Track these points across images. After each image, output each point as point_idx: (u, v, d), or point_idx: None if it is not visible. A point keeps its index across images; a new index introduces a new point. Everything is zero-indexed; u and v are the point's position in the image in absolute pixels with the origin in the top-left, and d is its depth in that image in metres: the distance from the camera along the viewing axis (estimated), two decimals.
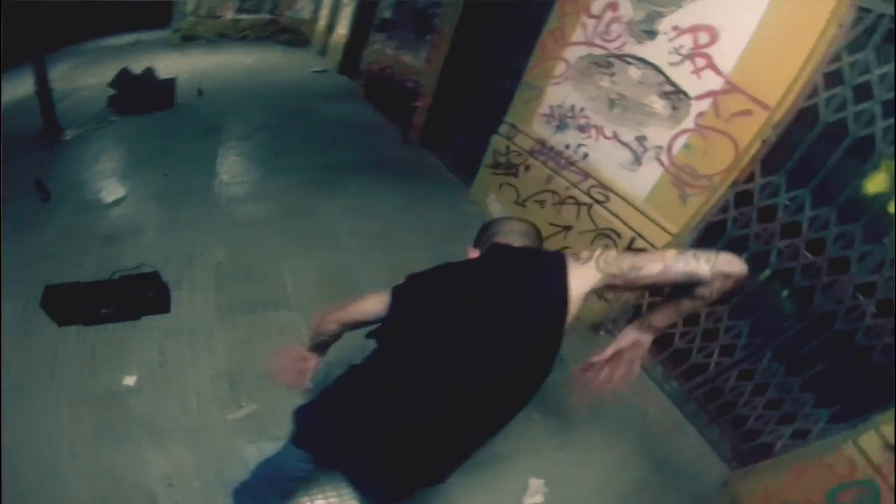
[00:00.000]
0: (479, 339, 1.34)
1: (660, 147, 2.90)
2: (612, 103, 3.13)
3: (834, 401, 2.53)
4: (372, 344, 1.55)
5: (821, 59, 2.33)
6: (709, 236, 2.86)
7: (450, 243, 3.52)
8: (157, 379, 2.63)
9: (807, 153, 2.49)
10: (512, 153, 3.80)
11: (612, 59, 3.10)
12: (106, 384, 2.56)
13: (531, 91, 3.67)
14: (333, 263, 3.49)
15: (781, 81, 2.41)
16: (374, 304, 1.53)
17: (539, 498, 2.40)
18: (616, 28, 3.07)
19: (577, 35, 3.29)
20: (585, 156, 3.31)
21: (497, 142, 3.97)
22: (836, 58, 2.34)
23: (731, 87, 2.56)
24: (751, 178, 2.66)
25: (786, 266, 2.63)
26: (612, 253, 1.36)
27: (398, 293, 1.50)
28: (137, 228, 3.63)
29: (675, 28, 2.77)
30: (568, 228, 3.40)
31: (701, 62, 2.66)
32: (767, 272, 2.70)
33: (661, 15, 2.84)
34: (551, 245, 3.36)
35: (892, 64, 2.20)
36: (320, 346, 1.77)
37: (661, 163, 2.90)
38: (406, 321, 1.46)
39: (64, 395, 2.49)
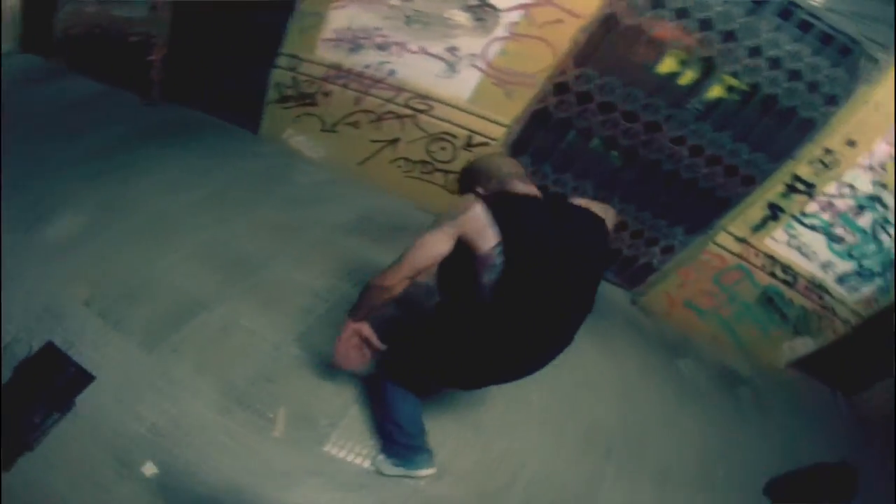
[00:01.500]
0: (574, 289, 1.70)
1: (474, 55, 3.16)
2: (409, 19, 3.21)
3: (683, 220, 3.86)
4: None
5: None
6: (535, 121, 3.42)
7: (268, 193, 3.48)
8: (171, 445, 2.25)
9: (613, 48, 3.13)
10: (303, 83, 3.60)
11: None
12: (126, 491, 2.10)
13: (310, 18, 3.46)
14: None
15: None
16: (441, 245, 1.64)
17: None
18: None
19: None
20: (392, 72, 3.36)
21: (279, 76, 3.69)
22: None
23: (542, 1, 2.95)
24: (565, 71, 3.19)
25: (609, 133, 3.40)
26: None
27: (504, 234, 1.58)
28: None
29: None
30: (395, 141, 3.52)
31: None
32: (597, 141, 3.46)
33: None
34: (384, 158, 3.63)
35: None
36: (372, 313, 1.83)
37: (479, 68, 3.19)
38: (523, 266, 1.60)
39: None
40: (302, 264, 3.12)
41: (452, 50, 3.15)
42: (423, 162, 3.59)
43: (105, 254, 2.92)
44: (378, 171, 3.67)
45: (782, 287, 4.25)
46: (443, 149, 3.50)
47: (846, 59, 3.17)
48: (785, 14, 3.04)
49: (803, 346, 4.94)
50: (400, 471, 2.35)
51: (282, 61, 3.67)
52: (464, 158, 3.48)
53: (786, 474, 4.38)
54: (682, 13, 2.95)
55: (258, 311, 2.84)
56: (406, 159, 3.61)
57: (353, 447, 2.46)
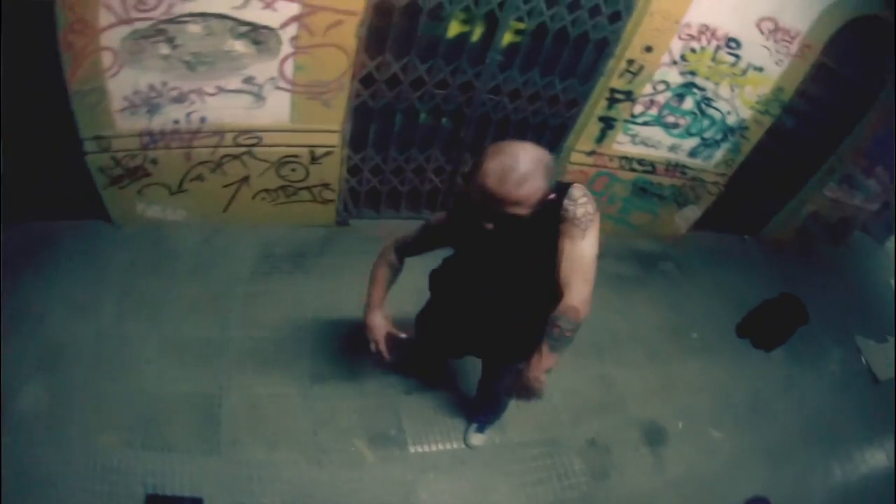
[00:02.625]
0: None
1: (273, 78, 3.16)
2: (190, 65, 3.10)
3: None
4: None
5: None
6: (360, 116, 3.54)
7: (166, 271, 3.41)
8: None
9: (400, 30, 3.22)
10: (124, 160, 3.39)
11: (163, 27, 2.93)
12: None
13: (90, 95, 3.22)
14: None
15: None
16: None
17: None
18: None
19: (106, 18, 2.97)
20: (204, 119, 3.28)
21: (96, 161, 3.42)
22: None
23: (312, 9, 2.93)
24: (364, 65, 3.27)
25: (430, 105, 3.58)
26: None
27: None
28: None
29: None
30: (245, 179, 3.53)
31: None
32: (423, 115, 3.66)
33: None
34: (244, 198, 3.61)
35: None
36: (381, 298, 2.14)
37: (284, 88, 3.21)
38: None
39: None
40: (249, 321, 3.22)
41: (250, 80, 3.14)
42: (282, 187, 3.63)
43: (87, 397, 2.80)
44: (245, 210, 3.67)
45: (646, 176, 4.71)
46: (293, 170, 3.55)
47: None
48: None
49: (692, 212, 5.53)
50: (484, 439, 2.99)
51: (90, 146, 3.40)
52: (317, 172, 3.60)
53: (747, 315, 5.17)
54: None
55: (262, 376, 2.99)
56: (265, 190, 3.63)
57: (430, 438, 2.97)
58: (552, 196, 1.52)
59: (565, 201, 1.57)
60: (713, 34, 3.87)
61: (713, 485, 3.59)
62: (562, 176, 4.26)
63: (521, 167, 1.36)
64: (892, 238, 12.13)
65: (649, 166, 4.72)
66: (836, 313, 6.93)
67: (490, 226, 1.45)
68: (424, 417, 3.04)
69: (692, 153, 4.85)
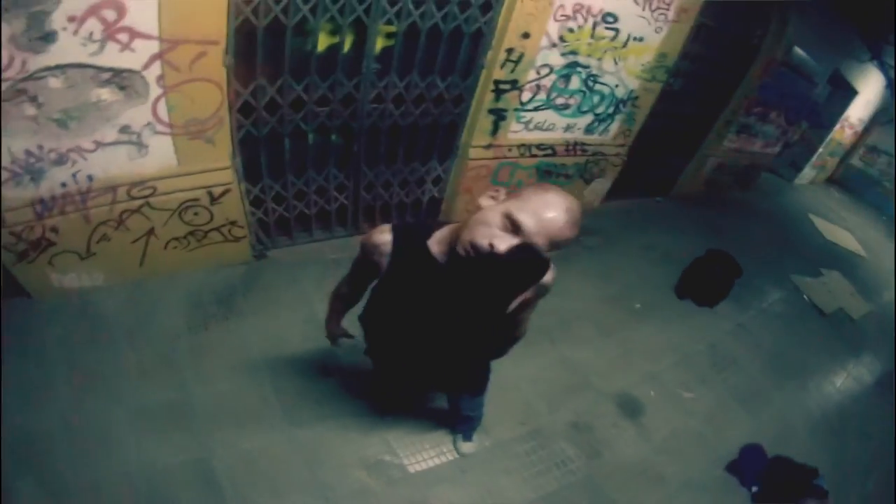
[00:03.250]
0: None
1: (148, 123, 2.99)
2: (61, 122, 2.91)
3: (431, 155, 4.28)
4: None
5: None
6: (247, 147, 3.43)
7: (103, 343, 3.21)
8: None
9: (268, 52, 3.12)
10: (24, 233, 3.19)
11: (22, 86, 2.76)
12: None
13: None
14: None
15: (214, 17, 2.78)
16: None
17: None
18: (4, 53, 2.72)
19: None
20: (91, 177, 3.07)
21: None
22: None
23: (172, 44, 2.77)
24: (239, 94, 3.16)
25: (315, 124, 3.52)
26: None
27: None
28: None
29: (72, 19, 2.63)
30: (151, 231, 3.37)
31: (124, 37, 2.69)
32: (311, 134, 3.59)
33: (46, 14, 2.62)
34: (156, 249, 3.46)
35: None
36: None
37: (163, 132, 3.06)
38: None
39: None
40: (205, 376, 3.12)
41: (126, 129, 2.96)
42: (190, 233, 3.49)
43: (81, 487, 2.66)
44: (161, 261, 3.52)
45: (548, 159, 4.84)
46: (196, 214, 3.42)
47: None
48: None
49: (601, 185, 5.75)
50: (475, 445, 3.13)
51: None
52: (220, 212, 3.48)
53: (682, 277, 5.51)
54: None
55: (240, 429, 2.93)
56: (174, 239, 3.49)
57: (424, 455, 3.06)
58: None
59: None
60: (588, 11, 3.95)
61: (700, 441, 3.83)
62: (463, 171, 4.38)
63: (574, 208, 1.35)
64: (801, 174, 12.83)
65: (549, 149, 4.82)
66: (766, 256, 7.37)
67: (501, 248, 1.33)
68: (411, 437, 3.11)
69: (588, 130, 5.00)
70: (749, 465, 3.67)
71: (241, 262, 3.82)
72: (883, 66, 11.02)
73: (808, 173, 13.41)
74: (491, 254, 1.29)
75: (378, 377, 2.84)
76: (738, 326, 5.37)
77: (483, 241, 1.30)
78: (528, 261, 1.35)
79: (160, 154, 3.11)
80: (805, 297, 6.72)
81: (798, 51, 7.23)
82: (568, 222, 1.30)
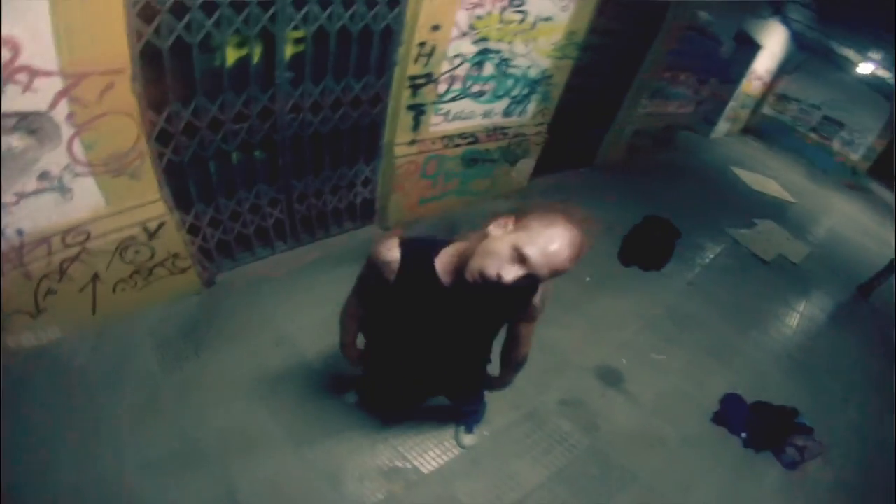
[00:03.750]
0: None
1: (67, 166, 2.82)
2: None
3: (357, 157, 4.34)
4: None
5: (125, 5, 2.58)
6: (173, 176, 3.30)
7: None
8: None
9: (176, 74, 2.99)
10: None
11: None
12: None
13: None
14: None
15: (115, 43, 2.62)
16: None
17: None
18: None
19: None
20: (21, 231, 2.88)
21: None
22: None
23: (75, 79, 2.60)
24: (153, 122, 3.04)
25: (237, 142, 3.45)
26: None
27: None
28: None
29: None
30: (95, 277, 3.22)
31: (24, 77, 2.50)
32: (234, 153, 3.52)
33: None
34: (105, 294, 3.31)
35: None
36: None
37: (84, 173, 2.89)
38: None
39: None
40: (198, 415, 3.04)
41: (45, 176, 2.78)
42: (135, 272, 3.36)
43: None
44: (113, 305, 3.36)
45: (472, 147, 4.97)
46: (137, 252, 3.28)
47: None
48: None
49: (526, 165, 5.96)
50: (475, 437, 3.24)
51: None
52: (160, 246, 3.36)
53: (622, 245, 5.77)
54: (205, 6, 2.89)
55: (252, 459, 2.92)
56: (121, 281, 3.35)
57: (434, 455, 3.15)
58: None
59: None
60: None
61: (684, 398, 4.09)
62: (390, 169, 4.42)
63: (579, 242, 1.44)
64: (716, 127, 13.43)
65: (471, 137, 4.92)
66: (700, 214, 7.79)
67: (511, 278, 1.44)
68: (416, 439, 3.18)
69: (506, 113, 5.13)
70: (733, 413, 3.93)
71: (192, 292, 3.72)
72: (786, 20, 11.57)
73: (722, 126, 14.08)
74: (497, 283, 1.40)
75: (370, 387, 2.96)
76: (688, 285, 5.68)
77: (492, 272, 1.39)
78: (526, 288, 1.56)
79: (87, 196, 2.97)
80: (745, 248, 7.13)
81: (703, 13, 7.53)
82: (571, 257, 1.42)
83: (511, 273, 1.38)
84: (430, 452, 3.15)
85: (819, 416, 4.28)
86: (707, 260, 6.50)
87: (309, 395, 3.25)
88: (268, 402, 3.18)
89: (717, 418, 3.92)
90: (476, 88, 4.56)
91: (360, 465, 2.98)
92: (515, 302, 1.76)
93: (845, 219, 11.82)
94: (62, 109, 2.63)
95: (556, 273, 1.43)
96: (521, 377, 3.60)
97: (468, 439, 3.21)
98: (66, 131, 2.69)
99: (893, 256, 6.98)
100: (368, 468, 2.98)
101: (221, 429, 3.00)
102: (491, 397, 2.91)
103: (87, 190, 2.94)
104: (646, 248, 5.66)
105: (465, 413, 3.08)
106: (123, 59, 2.68)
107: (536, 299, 1.77)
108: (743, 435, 3.82)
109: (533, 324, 1.92)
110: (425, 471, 3.05)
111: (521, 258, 1.38)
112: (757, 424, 3.88)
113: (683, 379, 4.25)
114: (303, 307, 3.76)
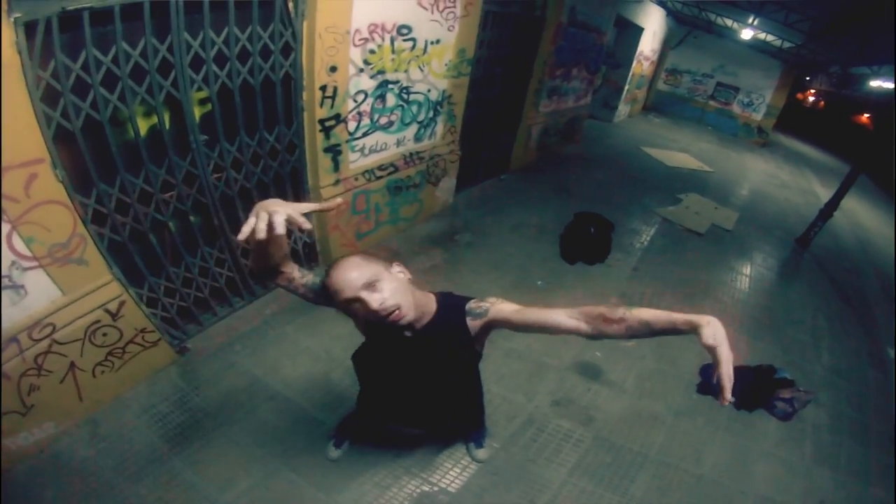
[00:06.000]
0: None
1: (14, 262, 2.86)
2: None
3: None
4: None
5: (28, 91, 2.64)
6: (118, 255, 3.40)
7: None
8: None
9: (94, 153, 3.09)
10: None
11: None
12: None
13: None
14: None
15: (28, 132, 2.67)
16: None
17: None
18: None
19: None
20: None
21: None
22: (39, 78, 2.72)
23: None
24: (85, 205, 3.11)
25: (169, 212, 3.61)
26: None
27: None
28: None
29: None
30: (72, 366, 3.27)
31: None
32: (170, 222, 3.67)
33: None
34: (85, 381, 3.37)
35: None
36: None
37: (30, 267, 2.92)
38: None
39: None
40: (217, 482, 3.14)
41: None
42: (110, 353, 3.44)
43: None
44: (98, 390, 3.44)
45: (392, 176, 5.37)
46: (105, 335, 3.36)
47: (272, 11, 3.66)
48: (196, 8, 3.24)
49: (448, 183, 6.42)
50: (487, 450, 3.51)
51: None
52: (126, 324, 3.43)
53: (561, 245, 6.27)
54: (105, 81, 2.97)
55: None
56: (98, 364, 3.41)
57: (456, 474, 3.39)
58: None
59: (467, 306, 1.97)
60: (383, 28, 4.38)
61: (664, 376, 4.49)
62: (324, 213, 4.62)
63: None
64: (617, 112, 14.30)
65: (390, 167, 5.29)
66: (625, 200, 8.45)
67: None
68: (435, 464, 3.41)
69: (417, 138, 5.54)
70: (714, 382, 4.21)
71: (169, 362, 3.84)
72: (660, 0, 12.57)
73: (623, 109, 15.09)
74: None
75: (367, 422, 3.24)
76: (633, 271, 6.16)
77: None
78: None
79: (41, 290, 3.01)
80: (678, 225, 7.72)
81: (579, 8, 8.19)
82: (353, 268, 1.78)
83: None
84: (451, 472, 3.38)
85: (796, 367, 4.78)
86: (645, 243, 7.01)
87: (318, 445, 3.39)
88: (286, 460, 3.32)
89: (701, 388, 4.31)
90: (384, 120, 4.90)
91: (393, 499, 3.18)
92: (450, 337, 1.99)
93: (764, 176, 12.94)
94: None
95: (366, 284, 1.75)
96: (507, 388, 4.02)
97: (481, 453, 3.46)
98: (3, 229, 2.72)
99: (822, 207, 7.84)
100: (402, 500, 3.19)
101: (251, 490, 3.14)
102: (489, 410, 3.21)
103: (39, 284, 2.99)
104: (585, 244, 6.09)
105: (471, 433, 3.40)
106: (39, 146, 2.74)
107: (470, 304, 1.98)
108: (732, 399, 4.11)
109: (516, 310, 1.87)
110: (453, 490, 3.28)
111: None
112: (740, 388, 4.19)
113: (657, 360, 4.63)
114: (280, 360, 3.98)
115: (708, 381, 4.30)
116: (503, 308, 1.89)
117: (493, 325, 1.94)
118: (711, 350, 1.52)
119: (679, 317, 1.58)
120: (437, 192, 6.27)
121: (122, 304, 3.37)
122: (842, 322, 6.10)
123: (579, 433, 3.76)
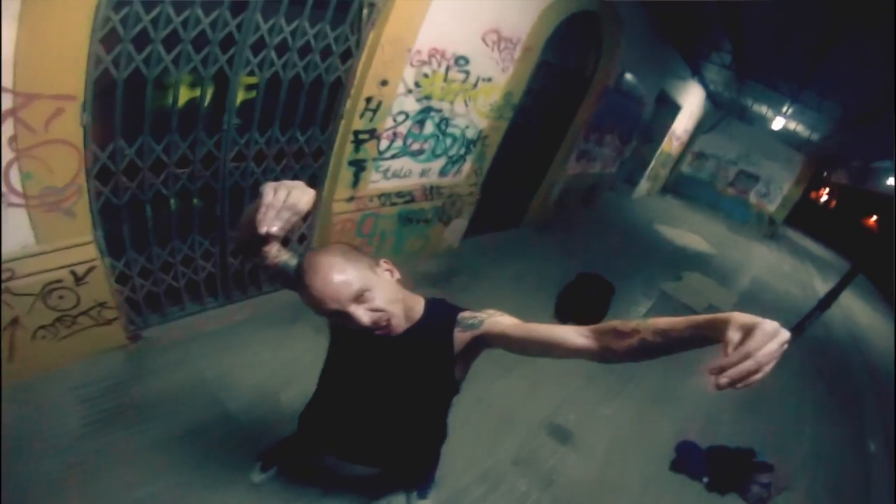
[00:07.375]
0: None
1: (2, 193, 2.74)
2: None
3: None
4: None
5: (92, 29, 2.60)
6: (108, 218, 3.27)
7: None
8: None
9: (126, 109, 3.02)
10: None
11: None
12: None
13: None
14: None
15: (72, 67, 2.62)
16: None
17: None
18: None
19: None
20: None
21: None
22: (108, 19, 2.67)
23: (27, 99, 2.55)
24: (97, 157, 3.02)
25: (176, 187, 3.53)
26: None
27: None
28: None
29: None
30: (15, 321, 3.04)
31: None
32: (172, 200, 3.55)
33: None
34: (23, 342, 3.14)
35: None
36: None
37: (17, 204, 2.81)
38: None
39: None
40: (127, 482, 2.92)
41: None
42: (58, 319, 3.20)
43: None
44: (32, 355, 3.19)
45: (407, 206, 5.32)
46: (62, 298, 3.14)
47: (346, 14, 3.67)
48: None
49: (459, 225, 6.39)
50: (430, 502, 3.27)
51: None
52: (87, 293, 3.24)
53: (558, 303, 6.26)
54: (166, 41, 2.93)
55: None
56: (42, 328, 3.17)
57: None
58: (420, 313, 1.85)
59: (459, 316, 1.84)
60: (443, 55, 4.41)
61: (638, 446, 4.45)
62: (327, 226, 4.60)
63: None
64: (637, 187, 14.47)
65: (408, 196, 5.25)
66: (629, 270, 8.55)
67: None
68: None
69: (442, 172, 5.52)
70: (689, 460, 4.30)
71: (116, 346, 3.64)
72: (703, 81, 12.75)
73: (643, 186, 15.20)
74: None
75: (304, 450, 3.00)
76: None
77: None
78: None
79: (16, 231, 2.85)
80: (676, 300, 7.83)
81: (627, 76, 8.31)
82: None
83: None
84: None
85: (776, 451, 4.76)
86: (641, 313, 7.06)
87: (243, 465, 3.15)
88: (200, 471, 3.09)
89: (675, 465, 4.27)
90: (416, 146, 4.89)
91: None
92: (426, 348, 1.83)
93: (767, 266, 13.22)
94: (7, 130, 2.57)
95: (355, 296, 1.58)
96: (470, 437, 3.88)
97: None
98: (6, 155, 2.62)
99: (821, 297, 8.01)
100: None
101: (152, 496, 2.91)
102: (443, 457, 3.01)
103: (17, 224, 2.84)
104: (581, 304, 6.05)
105: (417, 482, 3.19)
106: (78, 85, 2.67)
107: (463, 314, 1.86)
108: (705, 479, 4.18)
109: (516, 324, 1.74)
110: None
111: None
112: (717, 469, 4.26)
113: (633, 428, 4.59)
114: (235, 368, 3.82)
115: (684, 460, 4.30)
116: (501, 321, 1.76)
117: (484, 341, 1.78)
118: (751, 327, 1.19)
119: (702, 317, 1.34)
120: (447, 233, 6.23)
121: (91, 269, 3.19)
122: (827, 410, 6.20)
123: (535, 497, 3.62)
